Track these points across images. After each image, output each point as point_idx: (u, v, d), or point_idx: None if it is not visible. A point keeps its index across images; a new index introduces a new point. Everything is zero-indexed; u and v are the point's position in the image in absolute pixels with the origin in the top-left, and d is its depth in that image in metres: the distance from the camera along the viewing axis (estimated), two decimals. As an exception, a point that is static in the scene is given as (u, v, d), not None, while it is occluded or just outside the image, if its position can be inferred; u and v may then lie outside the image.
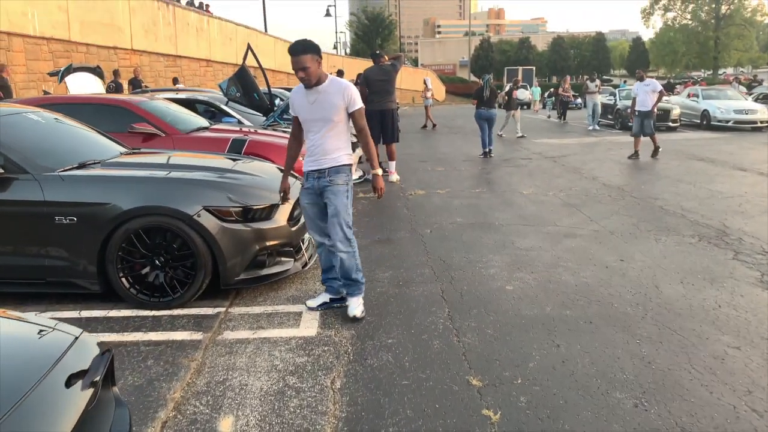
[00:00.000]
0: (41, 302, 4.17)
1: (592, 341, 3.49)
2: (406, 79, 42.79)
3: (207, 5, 26.86)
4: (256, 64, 10.29)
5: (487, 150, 12.48)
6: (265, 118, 9.22)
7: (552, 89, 31.84)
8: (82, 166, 4.26)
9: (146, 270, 4.03)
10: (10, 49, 14.85)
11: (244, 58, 10.26)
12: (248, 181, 4.40)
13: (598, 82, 20.69)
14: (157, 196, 3.98)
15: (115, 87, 13.35)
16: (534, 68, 55.54)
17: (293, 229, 4.43)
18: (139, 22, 20.29)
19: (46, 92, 12.50)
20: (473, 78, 66.77)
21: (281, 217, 4.31)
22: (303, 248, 4.69)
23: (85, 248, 3.96)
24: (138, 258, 4.00)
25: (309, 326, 3.78)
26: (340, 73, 21.74)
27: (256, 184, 4.38)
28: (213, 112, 9.03)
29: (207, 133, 6.70)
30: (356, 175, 9.30)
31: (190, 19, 23.79)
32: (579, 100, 32.33)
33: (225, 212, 4.04)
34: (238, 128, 7.28)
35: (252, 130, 7.23)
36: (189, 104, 8.84)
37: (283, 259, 4.42)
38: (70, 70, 9.43)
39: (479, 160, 11.99)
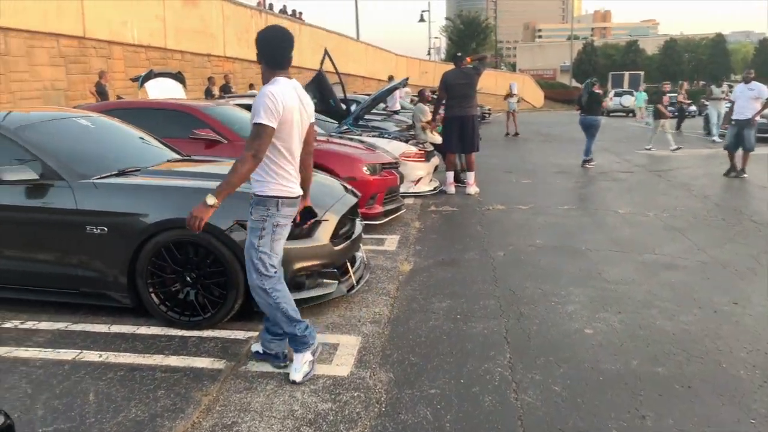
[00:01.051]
0: (76, 313, 4.02)
1: (689, 414, 2.79)
2: (490, 83, 41.69)
3: (300, 13, 27.42)
4: (334, 70, 10.10)
5: (583, 159, 11.60)
6: (338, 124, 8.96)
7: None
8: (121, 173, 4.08)
9: (177, 286, 3.77)
10: (110, 57, 15.71)
11: (321, 63, 10.11)
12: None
13: (725, 87, 18.80)
14: (188, 207, 3.70)
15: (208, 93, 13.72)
16: (642, 73, 52.47)
17: (337, 248, 4.02)
18: (232, 29, 20.95)
19: (119, 97, 12.98)
20: (575, 83, 64.24)
21: (323, 235, 3.92)
22: (350, 270, 4.27)
23: (115, 260, 3.77)
24: (169, 273, 3.75)
25: (343, 363, 3.34)
26: (390, 78, 21.12)
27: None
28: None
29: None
30: (431, 186, 8.82)
31: (283, 26, 24.30)
32: (693, 107, 29.99)
33: (261, 227, 3.69)
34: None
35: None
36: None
37: (325, 281, 4.02)
38: (150, 75, 9.67)
39: (573, 172, 11.11)
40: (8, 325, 3.86)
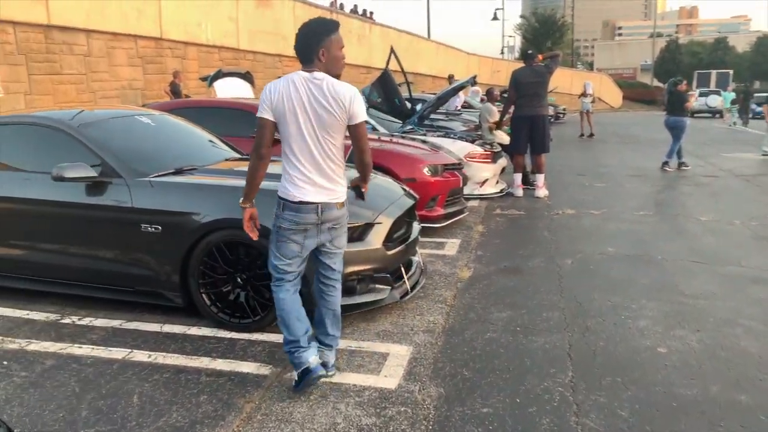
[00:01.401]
0: (132, 311, 4.07)
1: (777, 451, 2.46)
2: (565, 82, 40.44)
3: (371, 12, 27.52)
4: (399, 69, 9.96)
5: (663, 161, 10.96)
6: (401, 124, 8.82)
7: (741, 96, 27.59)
8: (178, 171, 4.10)
9: (228, 287, 3.74)
10: (185, 57, 16.25)
11: (387, 62, 9.99)
12: (349, 196, 3.92)
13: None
14: (238, 207, 3.66)
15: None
16: (731, 72, 49.44)
17: (390, 252, 3.87)
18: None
19: (187, 96, 13.34)
20: (656, 83, 61.39)
21: (376, 238, 3.78)
22: (405, 275, 4.11)
23: (168, 259, 3.77)
24: (220, 274, 3.72)
25: (391, 374, 3.19)
26: (450, 78, 20.51)
27: (351, 199, 3.88)
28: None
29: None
30: (497, 188, 8.52)
31: (353, 27, 24.47)
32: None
33: (311, 229, 3.59)
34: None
35: (378, 137, 6.83)
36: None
37: (377, 286, 3.88)
38: (219, 75, 9.86)
39: (651, 175, 10.49)
40: (67, 320, 3.95)
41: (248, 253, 3.64)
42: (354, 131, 2.89)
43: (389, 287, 3.93)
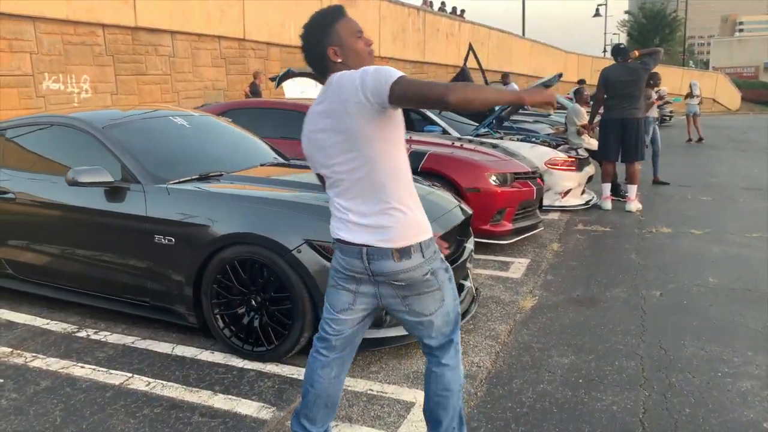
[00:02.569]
0: (149, 327, 3.80)
1: None
2: (674, 82, 37.75)
3: (462, 10, 26.86)
4: (478, 67, 9.35)
5: None
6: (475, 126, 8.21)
7: None
8: (201, 178, 3.78)
9: (242, 310, 3.36)
10: (267, 58, 16.41)
11: (465, 60, 9.43)
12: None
13: None
14: (254, 220, 3.27)
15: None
16: None
17: (429, 279, 3.33)
18: (388, 29, 20.97)
19: (247, 96, 13.28)
20: (783, 83, 56.36)
21: (410, 262, 3.26)
22: (448, 304, 3.55)
23: (181, 275, 3.46)
24: (235, 294, 3.35)
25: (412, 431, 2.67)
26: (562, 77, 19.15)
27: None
28: (422, 119, 8.32)
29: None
30: (582, 199, 7.71)
31: (441, 25, 23.95)
32: None
33: (331, 249, 3.13)
34: (429, 138, 6.40)
35: (440, 141, 6.27)
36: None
37: (412, 317, 3.35)
38: (289, 74, 9.67)
39: (769, 189, 9.21)
40: (82, 334, 3.73)
41: (263, 272, 3.25)
42: (394, 94, 1.86)
43: (427, 319, 3.39)
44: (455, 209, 3.89)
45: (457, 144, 6.16)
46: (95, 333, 3.74)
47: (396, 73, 1.91)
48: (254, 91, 14.08)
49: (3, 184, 4.00)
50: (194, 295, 3.44)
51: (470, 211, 4.08)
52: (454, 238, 3.84)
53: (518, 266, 5.18)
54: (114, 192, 3.64)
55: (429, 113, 8.17)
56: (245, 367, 3.28)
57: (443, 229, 3.53)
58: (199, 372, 3.23)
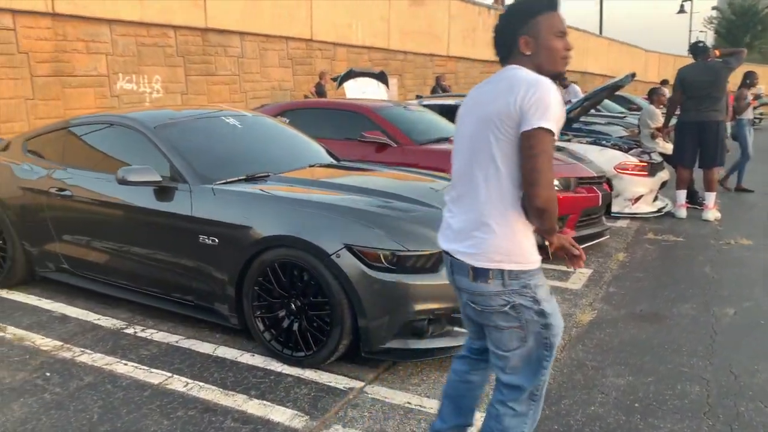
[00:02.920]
0: (195, 327, 3.84)
1: None
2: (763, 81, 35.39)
3: (534, 7, 26.23)
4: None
5: None
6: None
7: None
8: (248, 179, 3.79)
9: (282, 313, 3.33)
10: (334, 58, 16.56)
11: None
12: (418, 215, 3.32)
13: None
14: (294, 223, 3.23)
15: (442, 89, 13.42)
16: None
17: (474, 289, 3.18)
18: (458, 28, 20.75)
19: (306, 97, 13.36)
20: None
21: (453, 270, 3.12)
22: (495, 316, 3.39)
23: (224, 277, 3.46)
24: (275, 298, 3.32)
25: (446, 452, 2.53)
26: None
27: (426, 220, 3.27)
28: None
29: (442, 146, 5.81)
30: (654, 206, 7.30)
31: (513, 23, 23.47)
32: None
33: (371, 255, 3.06)
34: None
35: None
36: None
37: (455, 329, 3.22)
38: (350, 75, 9.69)
39: None
40: (130, 330, 3.81)
41: (303, 276, 3.20)
42: (522, 141, 1.84)
43: (471, 331, 3.25)
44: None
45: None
46: (142, 330, 3.82)
47: (548, 122, 1.81)
48: (320, 91, 14.23)
49: (61, 181, 4.14)
50: (236, 297, 3.44)
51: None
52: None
53: (579, 277, 4.93)
54: (162, 191, 3.69)
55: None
56: (283, 372, 3.24)
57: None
58: (237, 375, 3.22)
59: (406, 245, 3.07)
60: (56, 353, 3.48)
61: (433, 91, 16.16)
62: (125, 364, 3.34)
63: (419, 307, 3.07)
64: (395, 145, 5.79)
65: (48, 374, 3.23)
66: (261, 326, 3.38)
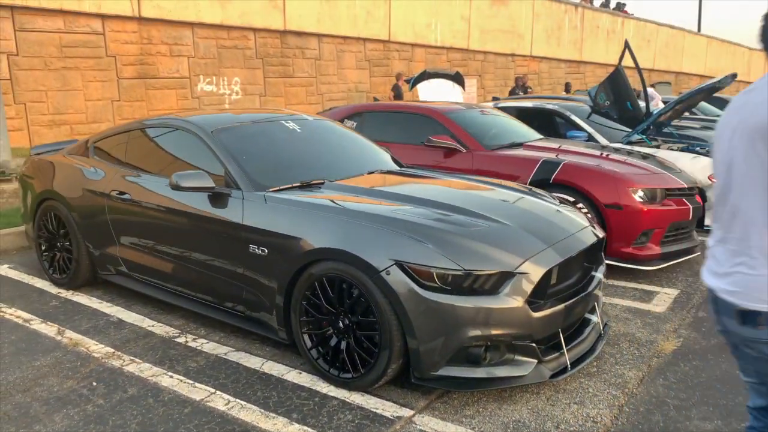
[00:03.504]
0: (246, 338, 3.74)
1: None
2: None
3: (623, 5, 25.01)
4: (634, 65, 8.44)
5: None
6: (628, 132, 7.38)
7: None
8: (304, 186, 3.65)
9: (330, 331, 3.15)
10: (412, 59, 16.40)
11: (620, 59, 8.55)
12: (479, 231, 3.04)
13: None
14: (343, 235, 3.04)
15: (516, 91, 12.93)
16: None
17: (538, 315, 2.88)
18: (542, 27, 20.06)
19: (376, 99, 13.14)
20: None
21: (516, 294, 2.83)
22: (564, 345, 3.07)
23: (272, 289, 3.33)
24: (324, 314, 3.15)
25: (496, 502, 2.26)
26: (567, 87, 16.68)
27: (488, 236, 2.99)
28: (565, 123, 7.68)
29: (515, 151, 5.47)
30: None
31: (601, 22, 22.47)
32: None
33: (424, 273, 2.82)
34: (569, 146, 5.80)
35: (581, 149, 5.65)
36: (538, 114, 7.73)
37: (517, 357, 2.93)
38: (424, 76, 9.45)
39: None
40: (181, 339, 3.76)
41: (351, 293, 3.01)
42: None
43: (535, 360, 2.95)
44: (582, 232, 3.37)
45: (601, 153, 5.51)
46: (194, 340, 3.76)
47: None
48: (397, 93, 14.08)
49: (121, 183, 4.17)
50: (285, 310, 3.30)
51: (602, 235, 3.53)
52: (578, 265, 3.34)
53: (664, 298, 4.47)
54: (216, 197, 3.61)
55: (573, 116, 7.52)
56: (329, 393, 3.06)
57: (566, 254, 3.05)
58: (281, 394, 3.07)
59: (462, 264, 2.81)
60: (107, 361, 3.47)
61: (512, 92, 15.66)
62: (171, 377, 3.27)
63: (475, 332, 2.81)
64: (464, 151, 5.52)
65: (95, 384, 3.20)
66: (308, 343, 3.22)
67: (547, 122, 7.70)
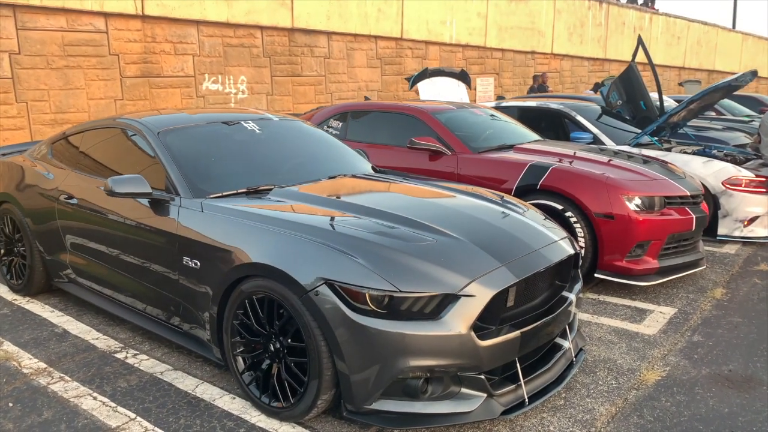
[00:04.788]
0: (188, 356, 3.48)
1: None
2: None
3: (652, 1, 24.24)
4: (647, 62, 7.97)
5: None
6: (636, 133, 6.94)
7: None
8: (251, 192, 3.36)
9: (262, 354, 2.86)
10: (426, 57, 16.02)
11: (633, 55, 8.10)
12: (425, 246, 2.70)
13: None
14: (273, 249, 2.74)
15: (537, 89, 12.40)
16: None
17: (486, 343, 2.54)
18: (564, 23, 19.51)
19: (366, 98, 12.80)
20: None
21: (459, 319, 2.50)
22: (521, 377, 2.73)
23: (205, 305, 3.05)
24: (253, 335, 2.86)
25: None
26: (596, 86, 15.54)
27: (435, 253, 2.66)
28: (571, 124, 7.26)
29: (502, 154, 5.10)
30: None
31: (627, 18, 21.81)
32: None
33: (355, 294, 2.50)
34: (565, 149, 5.41)
35: (578, 152, 5.25)
36: (543, 114, 7.33)
37: (463, 390, 2.60)
38: (425, 74, 9.10)
39: None
40: (121, 354, 3.52)
41: (280, 314, 2.71)
42: None
43: (484, 394, 2.61)
44: (548, 247, 3.00)
45: (597, 157, 5.10)
46: (134, 356, 3.50)
47: None
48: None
49: (69, 187, 3.94)
50: (219, 330, 3.02)
51: (573, 251, 3.15)
52: (546, 284, 2.99)
53: (657, 318, 4.08)
54: (155, 204, 3.34)
55: (579, 116, 7.10)
56: (257, 424, 2.77)
57: (517, 276, 2.69)
58: (204, 423, 2.79)
59: (397, 284, 2.49)
60: (34, 378, 3.24)
61: (531, 90, 15.19)
62: (95, 398, 3.02)
63: (412, 362, 2.48)
64: (449, 153, 5.17)
65: (11, 404, 2.97)
66: (240, 365, 2.93)
67: (552, 123, 7.30)
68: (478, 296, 2.54)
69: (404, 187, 3.66)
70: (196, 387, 3.13)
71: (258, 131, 3.97)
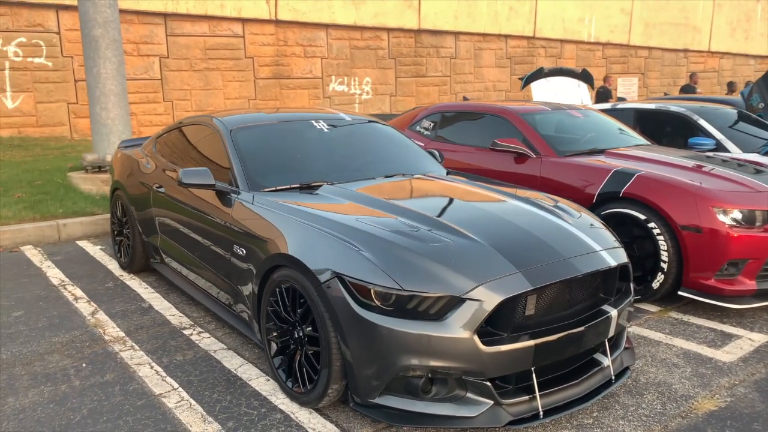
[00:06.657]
0: (243, 338, 3.77)
1: None
2: None
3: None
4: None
5: None
6: None
7: None
8: (304, 187, 3.57)
9: (286, 341, 3.05)
10: (560, 56, 15.50)
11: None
12: (440, 248, 2.70)
13: None
14: (300, 242, 2.91)
15: (604, 92, 11.73)
16: None
17: (489, 349, 2.51)
18: (724, 19, 17.85)
19: (465, 98, 12.39)
20: None
21: (463, 321, 2.49)
22: (537, 389, 2.65)
23: (249, 291, 3.30)
24: (283, 322, 3.06)
25: None
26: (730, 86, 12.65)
27: (449, 255, 2.66)
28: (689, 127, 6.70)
29: (589, 159, 4.86)
30: None
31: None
32: None
33: (363, 289, 2.59)
34: (665, 155, 5.03)
35: (677, 159, 4.85)
36: (662, 118, 6.85)
37: (468, 395, 2.58)
38: (540, 74, 8.81)
39: None
40: (188, 331, 3.89)
41: (302, 303, 2.87)
42: None
43: (490, 401, 2.57)
44: (583, 257, 2.86)
45: (696, 164, 4.70)
46: (198, 333, 3.86)
47: None
48: (603, 92, 13.31)
49: (161, 177, 4.41)
50: (257, 314, 3.26)
51: (614, 262, 2.97)
52: (584, 295, 2.87)
53: (742, 345, 3.70)
54: (220, 195, 3.67)
55: (702, 121, 6.53)
56: (279, 406, 2.96)
57: (533, 284, 2.61)
58: (234, 400, 3.03)
59: (401, 283, 2.54)
60: (111, 345, 3.69)
61: (683, 91, 14.14)
62: (151, 367, 3.38)
63: (414, 361, 2.52)
64: (534, 156, 5.04)
65: (84, 365, 3.42)
66: (273, 349, 3.14)
67: (672, 128, 6.79)
68: (486, 301, 2.51)
69: (454, 189, 3.66)
70: (240, 366, 3.39)
71: (326, 130, 4.18)
